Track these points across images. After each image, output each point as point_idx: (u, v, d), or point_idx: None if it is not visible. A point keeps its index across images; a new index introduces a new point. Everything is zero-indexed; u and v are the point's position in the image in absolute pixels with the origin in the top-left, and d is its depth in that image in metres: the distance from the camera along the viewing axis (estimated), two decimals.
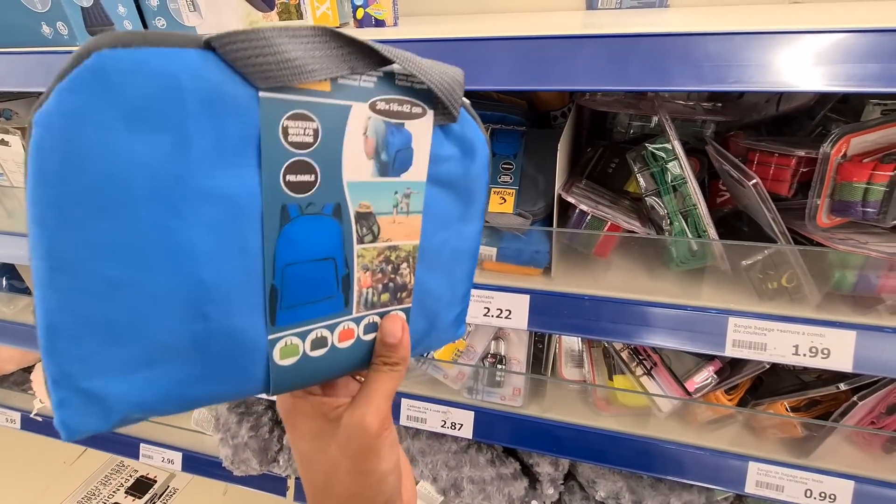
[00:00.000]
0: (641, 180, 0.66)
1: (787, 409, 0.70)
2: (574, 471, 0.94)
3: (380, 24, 0.74)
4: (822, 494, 0.70)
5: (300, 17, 0.76)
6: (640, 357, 0.74)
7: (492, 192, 0.66)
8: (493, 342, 0.84)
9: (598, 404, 0.80)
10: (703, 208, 0.61)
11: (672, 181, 0.64)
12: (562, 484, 0.93)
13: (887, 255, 0.51)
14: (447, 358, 0.81)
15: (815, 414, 0.71)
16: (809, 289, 0.59)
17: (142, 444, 1.26)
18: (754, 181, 0.54)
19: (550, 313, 0.66)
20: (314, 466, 0.32)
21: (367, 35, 0.67)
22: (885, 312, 0.58)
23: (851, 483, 0.69)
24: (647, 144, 0.66)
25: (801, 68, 0.45)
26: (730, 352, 0.61)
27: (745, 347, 0.60)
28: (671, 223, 0.64)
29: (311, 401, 0.32)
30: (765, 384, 0.76)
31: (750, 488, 0.73)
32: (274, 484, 1.14)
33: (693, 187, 0.61)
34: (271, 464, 1.04)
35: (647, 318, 0.63)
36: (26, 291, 1.18)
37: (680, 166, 0.62)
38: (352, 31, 0.71)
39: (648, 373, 0.74)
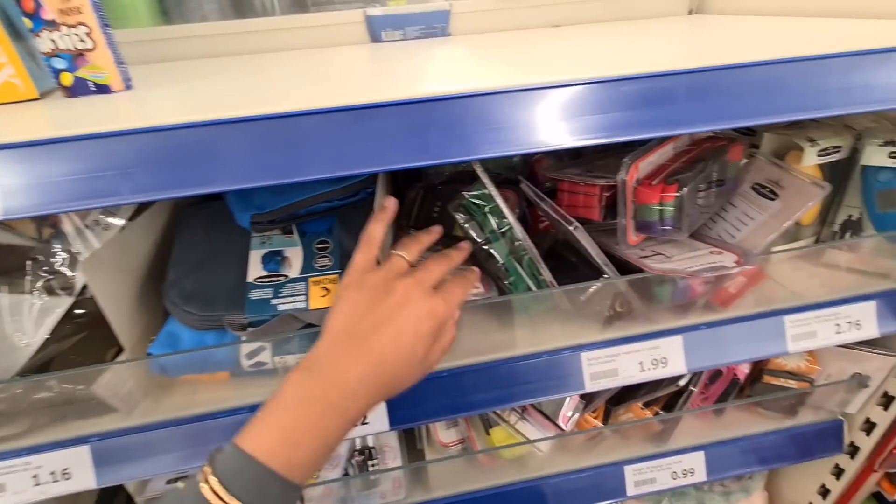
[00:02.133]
0: (471, 231, 0.62)
1: (640, 408, 0.74)
2: None
3: (104, 90, 0.55)
4: (685, 472, 0.77)
5: None
6: None
7: (311, 284, 0.54)
8: (357, 437, 0.72)
9: (481, 462, 0.75)
10: (533, 252, 0.59)
11: (498, 228, 0.61)
12: None
13: (688, 274, 0.55)
14: None
15: (664, 402, 0.77)
16: (639, 307, 0.62)
17: None
18: (574, 226, 0.54)
19: (411, 403, 0.58)
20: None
21: (90, 105, 0.48)
22: (699, 312, 0.64)
23: (702, 453, 0.78)
24: (464, 193, 0.62)
25: (564, 123, 0.42)
26: (590, 386, 0.61)
27: (601, 378, 0.61)
28: (507, 271, 0.61)
29: None
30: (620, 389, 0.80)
31: (631, 491, 0.76)
32: None
33: (519, 232, 0.59)
34: None
35: (509, 377, 0.59)
36: None
37: (501, 212, 0.59)
38: (67, 102, 0.51)
39: (522, 417, 0.71)
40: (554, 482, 0.74)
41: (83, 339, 0.60)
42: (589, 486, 0.75)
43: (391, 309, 0.39)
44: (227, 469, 0.33)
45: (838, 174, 0.67)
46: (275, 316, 0.51)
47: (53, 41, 0.52)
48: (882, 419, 0.77)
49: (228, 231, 0.58)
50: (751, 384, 0.79)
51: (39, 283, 0.60)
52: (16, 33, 0.54)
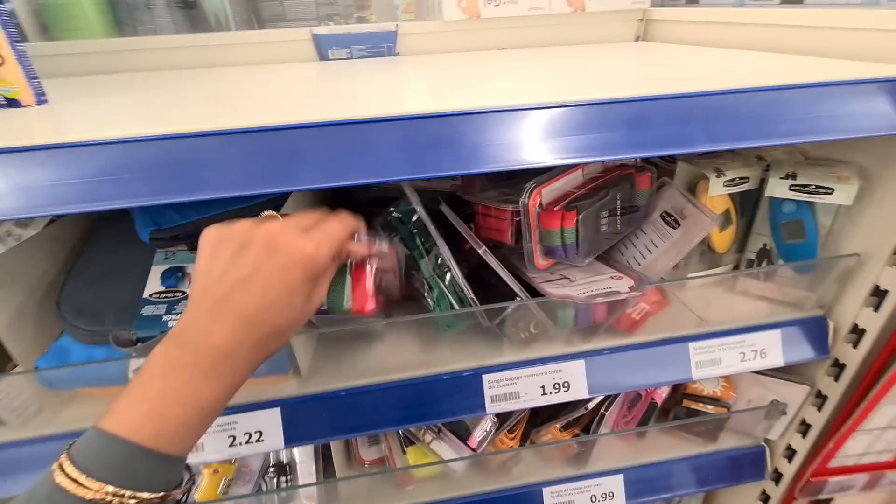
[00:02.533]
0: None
1: (559, 430, 0.75)
2: None
3: (14, 104, 0.56)
4: (604, 495, 0.77)
5: None
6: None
7: None
8: (271, 452, 0.72)
9: (399, 480, 0.75)
10: (455, 270, 0.59)
11: (423, 245, 0.62)
12: None
13: (581, 300, 0.56)
14: (212, 495, 0.66)
15: (584, 425, 0.77)
16: (553, 330, 0.63)
17: None
18: (483, 249, 0.54)
19: (308, 422, 0.58)
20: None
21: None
22: (603, 336, 0.65)
23: (621, 476, 0.78)
24: (391, 209, 0.63)
25: (543, 143, 0.43)
26: (491, 409, 0.61)
27: (502, 401, 0.61)
28: (430, 288, 0.62)
29: None
30: (540, 410, 0.81)
31: None
32: None
33: (443, 251, 0.59)
34: None
35: (408, 398, 0.60)
36: None
37: (426, 230, 0.60)
38: None
39: (437, 436, 0.71)
40: (471, 503, 0.74)
41: None
42: None
43: (254, 260, 0.35)
44: (84, 452, 0.31)
45: (751, 204, 0.68)
46: (164, 332, 0.51)
47: None
48: (801, 446, 0.77)
49: (135, 246, 0.59)
50: (674, 408, 0.80)
51: None
52: None
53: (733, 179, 0.65)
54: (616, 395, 0.72)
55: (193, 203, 0.59)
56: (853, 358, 0.66)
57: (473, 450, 0.69)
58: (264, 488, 0.70)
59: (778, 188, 0.63)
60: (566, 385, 0.62)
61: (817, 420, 0.74)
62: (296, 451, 0.73)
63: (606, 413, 0.70)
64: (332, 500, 0.73)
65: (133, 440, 0.31)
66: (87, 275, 0.56)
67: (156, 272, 0.56)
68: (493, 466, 0.76)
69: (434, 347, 0.65)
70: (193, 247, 0.60)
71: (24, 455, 0.55)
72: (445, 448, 0.71)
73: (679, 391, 0.78)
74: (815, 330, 0.67)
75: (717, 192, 0.65)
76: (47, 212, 0.37)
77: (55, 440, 0.55)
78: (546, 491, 0.76)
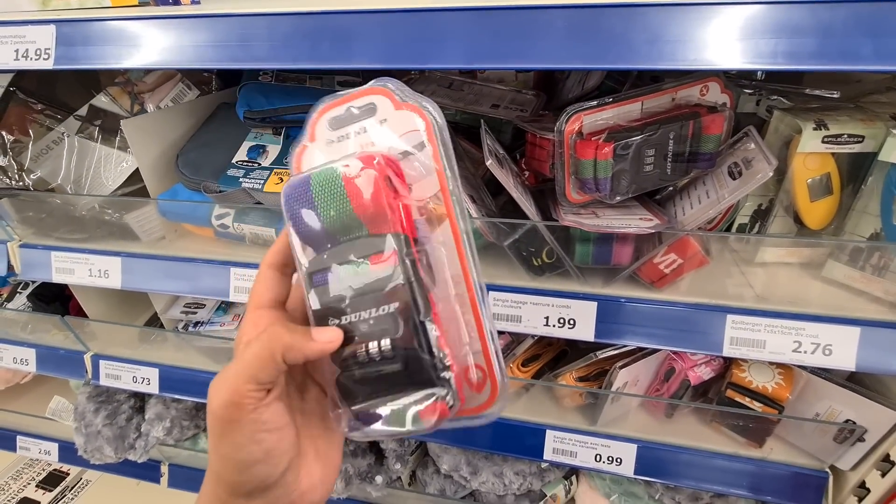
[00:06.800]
0: None
1: (574, 380, 0.73)
2: (426, 446, 0.97)
3: (177, 2, 0.73)
4: (610, 458, 0.74)
5: None
6: None
7: (273, 173, 0.66)
8: None
9: None
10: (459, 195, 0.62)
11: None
12: (410, 457, 0.96)
13: (595, 228, 0.53)
14: None
15: (602, 384, 0.74)
16: (567, 263, 0.62)
17: (18, 437, 1.25)
18: (489, 162, 0.55)
19: None
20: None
21: (165, 10, 0.66)
22: (623, 285, 0.61)
23: (634, 446, 0.73)
24: None
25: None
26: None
27: (503, 321, 0.63)
28: None
29: None
30: (567, 358, 0.79)
31: (548, 455, 0.76)
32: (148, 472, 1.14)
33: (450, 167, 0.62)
34: (128, 451, 1.04)
35: None
36: None
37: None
38: (150, 9, 0.69)
39: None
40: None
41: (143, 188, 0.82)
42: (508, 435, 0.77)
43: None
44: None
45: (864, 171, 0.55)
46: (237, 188, 0.64)
47: None
48: (878, 486, 0.63)
49: (239, 125, 0.73)
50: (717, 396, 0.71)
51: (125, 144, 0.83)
52: None
53: (839, 136, 0.53)
54: (636, 355, 0.67)
55: (279, 94, 0.70)
56: None
57: None
58: None
59: None
60: (572, 322, 0.61)
61: None
62: None
63: (621, 370, 0.66)
64: None
65: None
66: (201, 139, 0.72)
67: (245, 146, 0.70)
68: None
69: None
70: (277, 132, 0.72)
71: (147, 265, 0.75)
72: None
73: (726, 378, 0.69)
74: None
75: (812, 149, 0.54)
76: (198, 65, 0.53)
77: (168, 259, 0.74)
78: (550, 433, 0.75)
